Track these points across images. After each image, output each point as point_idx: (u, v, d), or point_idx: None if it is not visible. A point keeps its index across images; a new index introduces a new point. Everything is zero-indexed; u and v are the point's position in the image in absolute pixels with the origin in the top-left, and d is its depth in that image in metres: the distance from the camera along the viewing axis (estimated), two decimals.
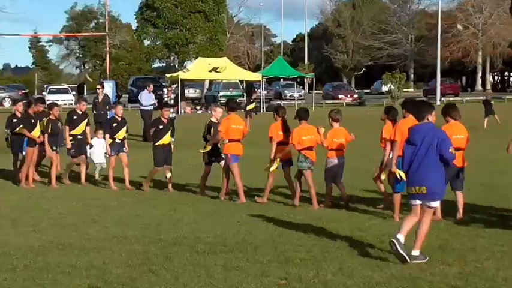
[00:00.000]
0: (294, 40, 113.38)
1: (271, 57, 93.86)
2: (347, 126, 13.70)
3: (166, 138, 15.93)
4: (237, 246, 9.77)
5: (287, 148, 13.75)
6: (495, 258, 9.00)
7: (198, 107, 53.06)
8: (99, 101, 24.85)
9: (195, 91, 65.81)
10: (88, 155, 17.43)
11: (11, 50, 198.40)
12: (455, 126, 11.79)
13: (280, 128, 14.02)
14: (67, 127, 16.99)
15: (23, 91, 68.12)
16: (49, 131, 16.55)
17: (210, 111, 15.36)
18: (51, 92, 62.21)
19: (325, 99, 63.23)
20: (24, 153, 16.97)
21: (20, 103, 17.80)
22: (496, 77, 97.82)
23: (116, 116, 16.79)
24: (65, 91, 64.70)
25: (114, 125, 16.59)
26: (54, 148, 16.67)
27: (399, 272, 8.33)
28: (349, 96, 64.40)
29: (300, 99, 60.61)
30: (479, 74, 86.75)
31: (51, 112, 16.87)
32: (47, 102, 18.97)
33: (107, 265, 8.82)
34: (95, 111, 25.16)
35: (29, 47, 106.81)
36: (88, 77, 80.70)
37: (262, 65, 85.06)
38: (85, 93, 67.30)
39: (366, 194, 14.50)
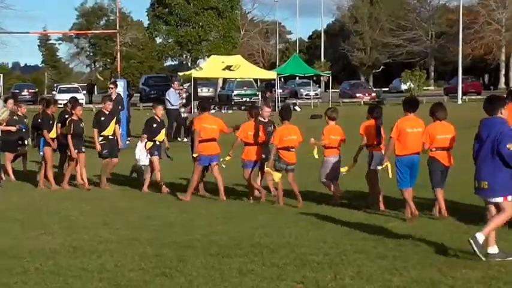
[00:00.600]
0: (309, 37, 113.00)
1: (286, 55, 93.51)
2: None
3: None
4: (252, 250, 9.59)
5: (274, 151, 13.60)
6: None
7: (211, 106, 52.87)
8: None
9: (208, 90, 65.65)
10: (137, 157, 16.71)
11: (20, 48, 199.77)
12: (440, 126, 11.82)
13: (251, 128, 14.01)
14: (95, 130, 16.27)
15: (33, 90, 68.40)
16: (71, 131, 15.93)
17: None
18: (61, 91, 62.16)
19: (343, 97, 62.81)
20: (42, 153, 16.81)
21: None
22: None
23: (156, 117, 16.13)
24: (75, 90, 64.64)
25: (154, 125, 16.01)
26: (76, 150, 16.02)
27: (419, 276, 8.15)
28: (367, 94, 63.30)
29: (316, 98, 60.45)
30: (503, 71, 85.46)
31: (73, 112, 16.33)
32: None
33: (119, 268, 8.68)
34: None
35: (38, 45, 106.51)
36: (99, 76, 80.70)
37: (277, 63, 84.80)
38: (95, 92, 67.35)
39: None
